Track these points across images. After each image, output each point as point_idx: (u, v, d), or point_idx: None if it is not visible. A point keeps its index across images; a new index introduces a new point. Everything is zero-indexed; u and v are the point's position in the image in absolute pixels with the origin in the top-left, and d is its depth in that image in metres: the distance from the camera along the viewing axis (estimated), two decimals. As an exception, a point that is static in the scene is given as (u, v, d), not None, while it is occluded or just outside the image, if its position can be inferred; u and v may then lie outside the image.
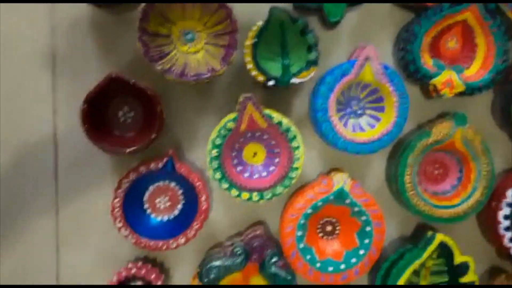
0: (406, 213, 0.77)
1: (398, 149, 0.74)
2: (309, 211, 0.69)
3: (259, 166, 0.70)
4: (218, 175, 0.66)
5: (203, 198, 0.67)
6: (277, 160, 0.69)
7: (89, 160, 0.70)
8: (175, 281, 0.73)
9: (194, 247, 0.73)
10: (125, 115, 0.69)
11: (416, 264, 0.70)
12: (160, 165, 0.66)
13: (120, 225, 0.66)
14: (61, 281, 0.72)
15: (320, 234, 0.73)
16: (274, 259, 0.68)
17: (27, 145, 0.70)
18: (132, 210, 0.68)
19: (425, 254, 0.70)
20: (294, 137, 0.67)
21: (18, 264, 0.71)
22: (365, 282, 0.77)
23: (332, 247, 0.73)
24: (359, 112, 0.72)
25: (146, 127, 0.66)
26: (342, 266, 0.70)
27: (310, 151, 0.74)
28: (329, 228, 0.73)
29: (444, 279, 0.74)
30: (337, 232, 0.73)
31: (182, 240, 0.67)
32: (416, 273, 0.74)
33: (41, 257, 0.71)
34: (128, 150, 0.62)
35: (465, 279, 0.71)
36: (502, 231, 0.72)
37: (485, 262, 0.79)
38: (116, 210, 0.66)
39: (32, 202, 0.71)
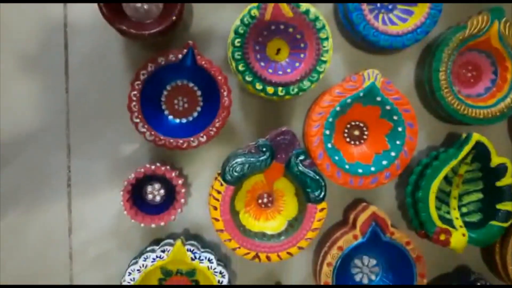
0: (437, 122, 0.74)
1: (429, 50, 0.70)
2: (338, 108, 0.64)
3: (283, 63, 0.66)
4: (241, 66, 0.62)
5: (225, 93, 0.63)
6: (302, 55, 0.65)
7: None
8: (195, 187, 0.69)
9: (215, 152, 0.69)
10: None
11: (452, 164, 0.65)
12: (180, 56, 0.62)
13: (137, 120, 0.62)
14: (73, 186, 0.68)
15: (347, 139, 0.69)
16: (301, 157, 0.63)
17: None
18: (149, 110, 0.64)
19: (462, 154, 0.66)
20: (323, 26, 0.62)
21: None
22: (395, 181, 0.73)
23: (360, 151, 0.69)
24: (390, 7, 0.67)
25: (165, 13, 0.62)
26: (373, 169, 0.66)
27: (335, 54, 0.70)
28: (356, 132, 0.69)
29: (479, 186, 0.70)
30: (365, 137, 0.69)
31: (203, 138, 0.63)
32: (448, 181, 0.71)
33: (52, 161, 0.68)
34: (148, 32, 0.57)
35: (502, 182, 0.67)
36: (540, 133, 0.68)
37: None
38: (134, 104, 0.61)
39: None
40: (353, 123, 0.69)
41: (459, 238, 0.66)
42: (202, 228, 0.70)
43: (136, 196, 0.65)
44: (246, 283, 0.72)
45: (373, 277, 0.71)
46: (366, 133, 0.69)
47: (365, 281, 0.71)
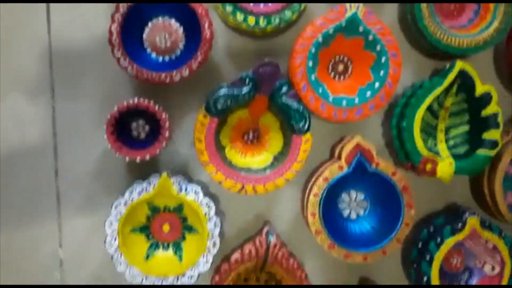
0: (422, 59, 0.74)
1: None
2: (320, 39, 0.64)
3: (266, -5, 0.66)
4: (221, -4, 0.62)
5: (206, 25, 0.62)
6: (283, -12, 0.65)
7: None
8: (180, 127, 0.69)
9: (199, 91, 0.69)
10: None
11: (436, 92, 0.65)
12: (160, -11, 0.62)
13: (119, 55, 0.61)
14: (57, 128, 0.68)
15: (332, 75, 0.69)
16: (284, 88, 0.63)
17: None
18: (131, 47, 0.64)
19: (446, 82, 0.65)
20: (302, -45, 0.62)
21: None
22: (380, 116, 0.73)
23: (344, 85, 0.69)
24: None
25: None
26: (357, 101, 0.66)
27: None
28: (340, 67, 0.69)
29: (465, 118, 0.70)
30: (349, 71, 0.69)
31: (186, 72, 0.62)
32: (434, 115, 0.71)
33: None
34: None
35: (488, 111, 0.67)
36: (525, 61, 0.68)
37: (504, 112, 0.75)
38: (114, 38, 0.61)
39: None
40: (337, 58, 0.69)
41: (445, 167, 0.66)
42: (188, 168, 0.70)
43: (121, 135, 0.65)
44: (235, 223, 0.72)
45: (361, 212, 0.71)
46: (350, 67, 0.69)
47: (353, 216, 0.71)
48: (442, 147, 0.70)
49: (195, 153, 0.65)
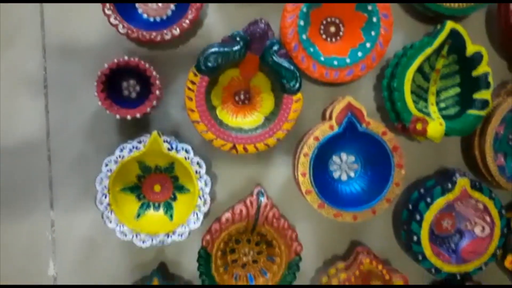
0: (414, 23, 0.74)
1: None
2: (311, -3, 0.64)
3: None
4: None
5: (197, -17, 0.62)
6: None
7: None
8: (172, 89, 0.69)
9: (191, 53, 0.69)
10: None
11: (427, 52, 0.65)
12: None
13: (109, 12, 0.61)
14: (49, 88, 0.68)
15: (323, 36, 0.69)
16: (275, 47, 0.63)
17: None
18: (123, 6, 0.64)
19: (436, 41, 0.65)
20: None
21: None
22: (372, 80, 0.73)
23: (336, 46, 0.69)
24: None
25: None
26: (348, 61, 0.66)
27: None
28: (332, 29, 0.69)
29: (456, 80, 0.70)
30: (341, 33, 0.69)
31: (176, 30, 0.62)
32: (426, 78, 0.71)
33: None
34: None
35: (479, 70, 0.67)
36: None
37: (496, 76, 0.75)
38: (104, -5, 0.61)
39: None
40: (329, 20, 0.69)
41: (436, 126, 0.66)
42: (180, 130, 0.70)
43: (113, 96, 0.65)
44: (227, 187, 0.72)
45: (352, 174, 0.71)
46: (342, 29, 0.69)
47: (344, 177, 0.71)
48: (433, 109, 0.70)
49: (186, 116, 0.65)
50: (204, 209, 0.64)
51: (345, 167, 0.71)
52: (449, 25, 0.66)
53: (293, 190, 0.72)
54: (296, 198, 0.73)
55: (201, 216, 0.64)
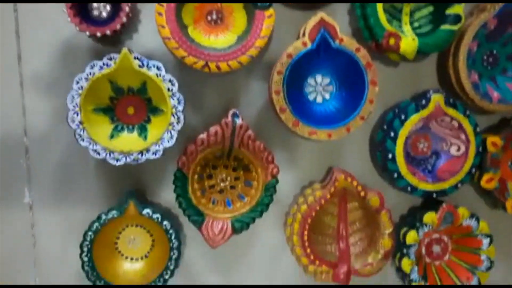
0: None
1: None
2: None
3: None
4: None
5: None
6: None
7: None
8: (145, 14, 0.69)
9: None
10: None
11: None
12: None
13: None
14: (19, 11, 0.67)
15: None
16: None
17: None
18: None
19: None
20: None
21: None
22: (346, 6, 0.73)
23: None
24: None
25: None
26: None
27: None
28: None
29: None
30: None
31: None
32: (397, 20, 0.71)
33: None
34: None
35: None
36: None
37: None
38: None
39: None
40: None
41: (408, 42, 0.66)
42: (153, 56, 0.69)
43: (85, 17, 0.64)
44: (202, 112, 0.72)
45: (327, 96, 0.71)
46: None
47: (319, 99, 0.71)
48: (407, 28, 0.70)
49: (160, 41, 0.64)
50: (178, 127, 0.64)
51: (320, 89, 0.71)
52: None
53: (270, 116, 0.72)
54: (272, 125, 0.73)
55: (175, 134, 0.64)
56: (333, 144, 0.76)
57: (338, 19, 0.72)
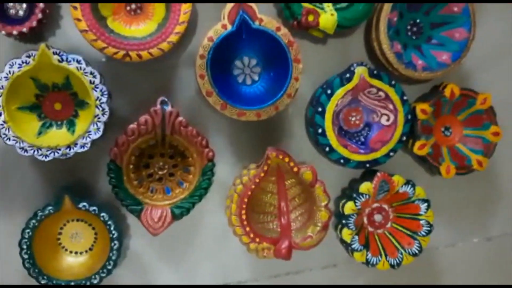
0: None
1: None
2: None
3: None
4: None
5: None
6: None
7: None
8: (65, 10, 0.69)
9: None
10: None
11: None
12: None
13: None
14: None
15: None
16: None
17: None
18: None
19: None
20: None
21: None
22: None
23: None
24: None
25: None
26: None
27: None
28: None
29: (347, -26, 0.72)
30: None
31: None
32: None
33: None
34: None
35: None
36: None
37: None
38: None
39: None
40: None
41: (327, 17, 0.68)
42: (79, 50, 0.69)
43: (2, 17, 0.64)
44: (133, 104, 0.73)
45: (255, 77, 0.72)
46: None
47: (248, 82, 0.72)
48: (326, 4, 0.71)
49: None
50: (104, 118, 0.64)
51: (248, 70, 0.72)
52: None
53: (201, 102, 0.73)
54: (205, 110, 0.74)
55: (101, 126, 0.64)
56: (270, 124, 0.77)
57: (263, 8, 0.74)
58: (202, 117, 0.75)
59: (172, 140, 0.70)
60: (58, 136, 0.66)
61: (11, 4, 0.65)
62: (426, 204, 0.76)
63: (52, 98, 0.67)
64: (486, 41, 0.79)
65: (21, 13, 0.65)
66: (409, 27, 0.75)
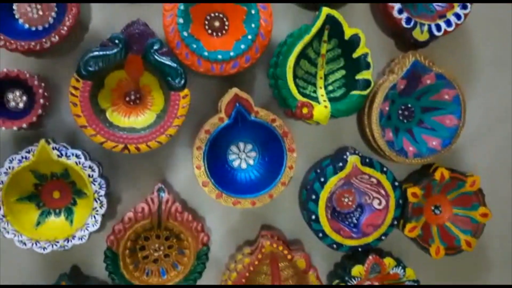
0: (301, 11, 0.76)
1: None
2: (187, -5, 0.66)
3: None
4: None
5: (70, -10, 0.63)
6: None
7: None
8: (61, 89, 0.70)
9: (73, 51, 0.70)
10: None
11: (306, 39, 0.68)
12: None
13: (-17, 26, 0.62)
14: None
15: (209, 31, 0.71)
16: (156, 46, 0.65)
17: None
18: (3, 21, 0.64)
19: (314, 28, 0.68)
20: None
21: None
22: (263, 68, 0.75)
23: (222, 41, 0.70)
24: None
25: None
26: (232, 54, 0.68)
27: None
28: (216, 23, 0.71)
29: (340, 63, 0.73)
30: (226, 28, 0.71)
31: (55, 38, 0.63)
32: (313, 63, 0.73)
33: None
34: None
35: (358, 52, 0.70)
36: (390, 3, 0.71)
37: (385, 55, 0.79)
38: (-24, 9, 0.61)
39: None
40: (212, 15, 0.70)
41: (321, 109, 0.69)
42: (76, 135, 0.71)
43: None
44: (131, 186, 0.74)
45: (250, 162, 0.74)
46: (227, 23, 0.71)
47: (244, 165, 0.73)
48: (321, 92, 0.73)
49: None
50: (102, 211, 0.65)
51: (243, 155, 0.74)
52: (325, 11, 0.68)
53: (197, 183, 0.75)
54: (202, 191, 0.75)
55: (99, 218, 0.65)
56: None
57: (256, 85, 0.76)
58: (198, 195, 0.76)
59: (168, 223, 0.72)
60: (56, 226, 0.67)
61: (11, 97, 0.66)
62: (416, 284, 0.77)
63: (50, 187, 0.68)
64: (473, 121, 0.81)
65: (21, 105, 0.66)
66: (400, 111, 0.77)
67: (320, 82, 0.74)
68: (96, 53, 0.63)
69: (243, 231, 0.79)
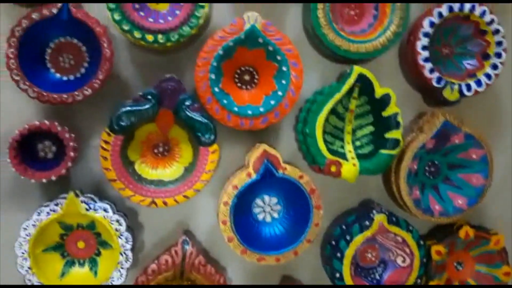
0: (329, 64, 0.76)
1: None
2: (221, 52, 0.65)
3: (164, 11, 0.67)
4: (117, 15, 0.62)
5: (105, 44, 0.63)
6: (182, 3, 0.66)
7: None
8: (89, 139, 0.70)
9: (106, 107, 0.69)
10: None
11: (336, 97, 0.68)
12: (55, 10, 0.62)
13: (17, 78, 0.61)
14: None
15: (239, 84, 0.71)
16: (187, 102, 0.65)
17: None
18: (32, 68, 0.64)
19: (345, 87, 0.68)
20: (197, -30, 0.63)
21: None
22: (287, 124, 0.75)
23: (251, 95, 0.71)
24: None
25: None
26: (262, 109, 0.68)
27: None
28: (246, 77, 0.71)
29: (369, 119, 0.73)
30: (255, 81, 0.71)
31: (88, 91, 0.63)
32: (341, 118, 0.73)
33: None
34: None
35: (388, 111, 0.70)
36: (421, 62, 0.71)
37: (412, 109, 0.79)
38: (12, 62, 0.61)
39: None
40: (242, 69, 0.71)
41: (349, 168, 0.69)
42: (102, 184, 0.71)
43: (28, 157, 0.65)
44: (154, 233, 0.74)
45: (275, 215, 0.73)
46: (256, 77, 0.71)
47: (268, 219, 0.73)
48: (348, 148, 0.73)
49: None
50: (127, 265, 0.65)
51: (268, 209, 0.73)
52: (357, 70, 0.68)
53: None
54: (224, 241, 0.75)
55: (124, 272, 0.65)
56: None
57: (282, 138, 0.76)
58: (221, 245, 0.76)
59: (190, 275, 0.71)
60: (80, 277, 0.67)
61: (40, 147, 0.66)
62: None
63: (76, 236, 0.67)
64: (497, 177, 0.80)
65: (50, 155, 0.67)
66: (427, 168, 0.77)
67: (347, 137, 0.74)
68: (129, 108, 0.63)
69: (264, 282, 0.78)
